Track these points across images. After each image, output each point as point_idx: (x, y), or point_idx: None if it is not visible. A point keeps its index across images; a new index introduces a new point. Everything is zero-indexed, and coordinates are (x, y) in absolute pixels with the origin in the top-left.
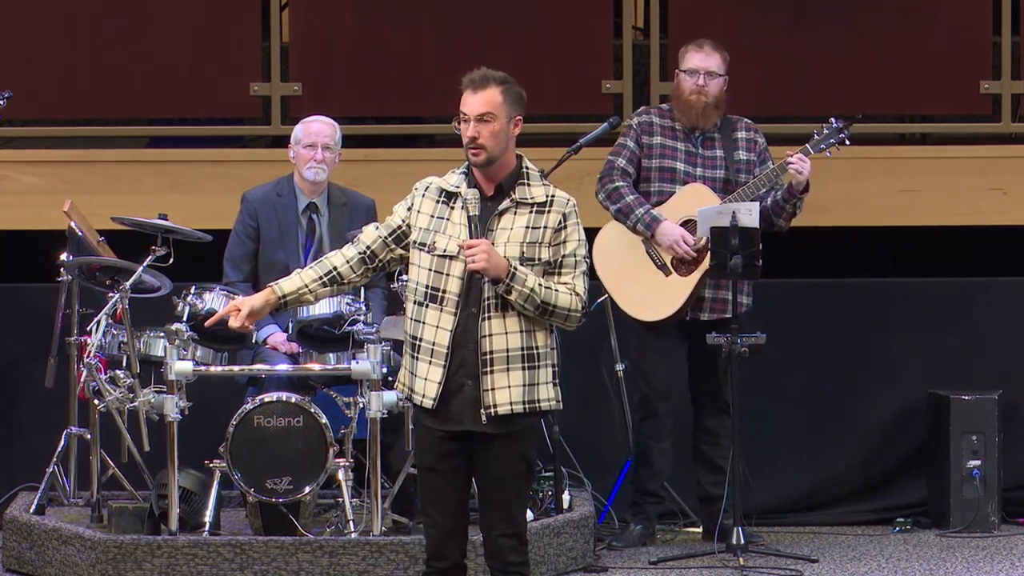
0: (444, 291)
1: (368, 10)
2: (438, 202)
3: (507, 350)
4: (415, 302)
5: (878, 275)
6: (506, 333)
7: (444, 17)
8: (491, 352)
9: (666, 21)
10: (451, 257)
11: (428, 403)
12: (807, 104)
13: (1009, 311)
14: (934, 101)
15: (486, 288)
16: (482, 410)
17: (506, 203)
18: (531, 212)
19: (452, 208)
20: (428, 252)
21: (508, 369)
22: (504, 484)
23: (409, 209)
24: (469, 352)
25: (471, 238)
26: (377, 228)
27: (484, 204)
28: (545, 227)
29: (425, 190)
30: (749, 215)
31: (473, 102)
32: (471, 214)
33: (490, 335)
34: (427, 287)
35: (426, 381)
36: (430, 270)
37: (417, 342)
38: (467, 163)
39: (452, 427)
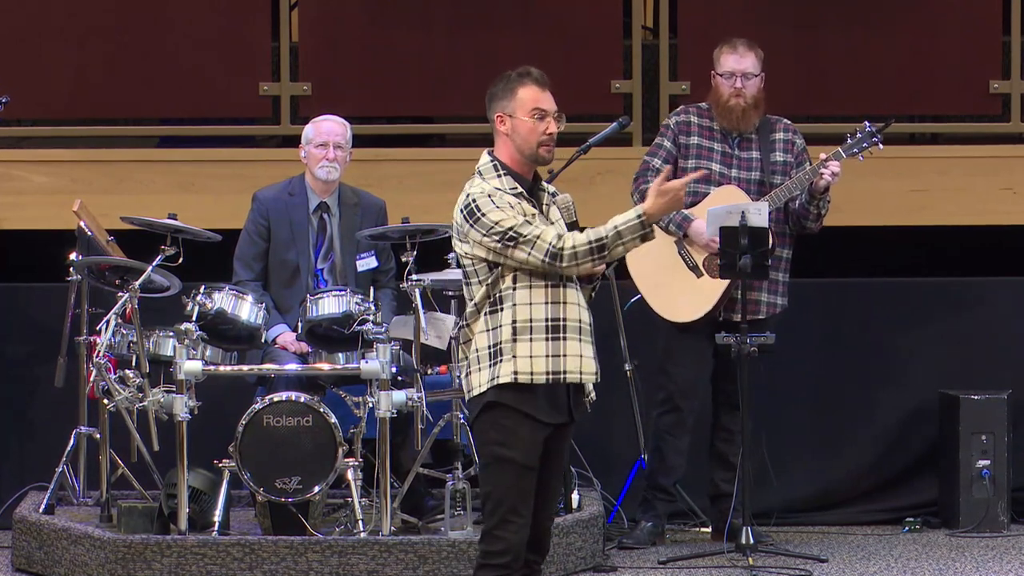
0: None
1: (377, 9)
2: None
3: (591, 321)
4: (549, 284)
5: (888, 275)
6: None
7: (453, 17)
8: (589, 322)
9: (675, 21)
10: None
11: (590, 377)
12: (817, 104)
13: (1019, 311)
14: (944, 101)
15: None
16: (584, 398)
17: (547, 197)
18: (554, 203)
19: (524, 202)
20: None
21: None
22: (561, 471)
23: (511, 207)
24: None
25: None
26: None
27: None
28: (560, 219)
29: (497, 195)
30: (758, 215)
31: (550, 100)
32: (569, 221)
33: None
34: (559, 276)
35: (582, 358)
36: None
37: (561, 322)
38: (493, 162)
39: (561, 418)
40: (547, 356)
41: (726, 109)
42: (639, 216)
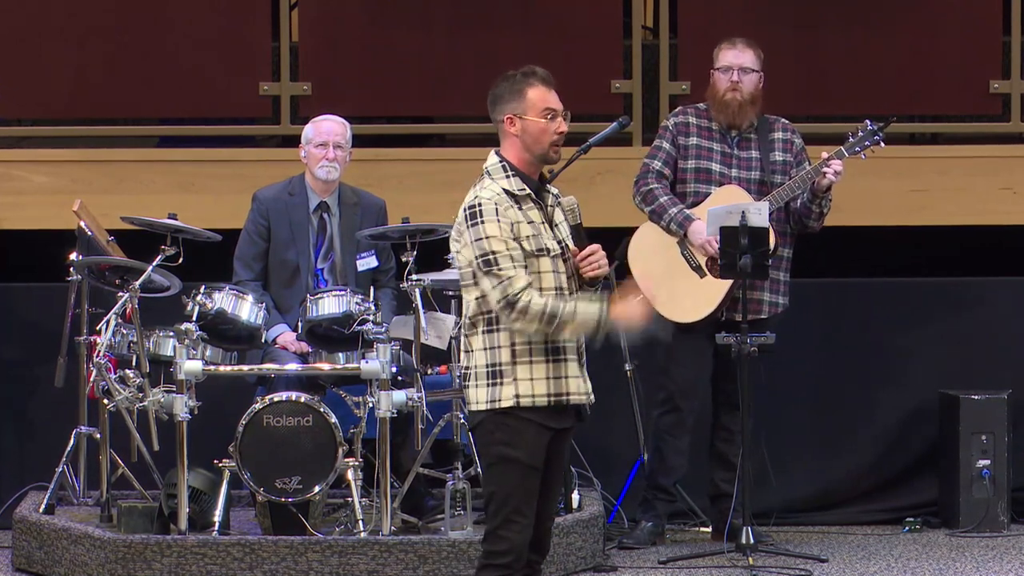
0: (565, 288)
1: (377, 9)
2: (518, 208)
3: (584, 342)
4: None
5: (888, 275)
6: None
7: (453, 17)
8: (583, 344)
9: (675, 21)
10: (558, 255)
11: (585, 399)
12: (817, 104)
13: (1019, 311)
14: (944, 101)
15: (573, 283)
16: (586, 403)
17: (551, 198)
18: (558, 205)
19: (523, 209)
20: (548, 256)
21: (588, 361)
22: (562, 472)
23: (512, 229)
24: None
25: (578, 245)
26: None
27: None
28: (564, 221)
29: (504, 205)
30: (758, 215)
31: (556, 99)
32: (573, 223)
33: None
34: (556, 288)
35: (579, 380)
36: (553, 272)
37: (562, 344)
38: (502, 163)
39: (567, 422)
40: (548, 379)
41: (722, 103)
42: (600, 310)
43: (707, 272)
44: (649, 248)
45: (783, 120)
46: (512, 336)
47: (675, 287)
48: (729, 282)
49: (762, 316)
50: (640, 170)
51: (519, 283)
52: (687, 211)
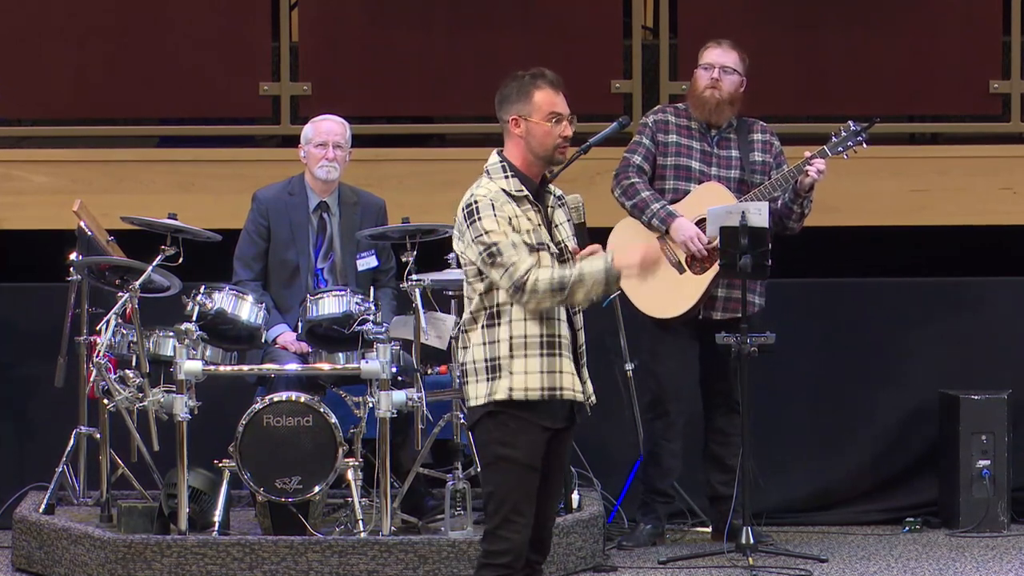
0: None
1: (377, 9)
2: (516, 207)
3: (586, 343)
4: None
5: (887, 275)
6: (583, 327)
7: (453, 17)
8: (583, 344)
9: (676, 21)
10: (557, 255)
11: (580, 396)
12: (817, 104)
13: (1019, 311)
14: (944, 101)
15: None
16: (584, 402)
17: (552, 199)
18: (561, 206)
19: (521, 209)
20: (548, 252)
21: (587, 360)
22: (563, 472)
23: (509, 222)
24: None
25: (580, 244)
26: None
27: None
28: (569, 220)
29: (500, 201)
30: (759, 215)
31: (564, 103)
32: (576, 222)
33: (581, 328)
34: None
35: (573, 376)
36: (553, 268)
37: (556, 339)
38: (502, 163)
39: (561, 423)
40: (542, 372)
41: (700, 99)
42: (606, 264)
43: (687, 268)
44: (627, 244)
45: (761, 122)
46: (510, 330)
47: (654, 283)
48: (708, 279)
49: (740, 315)
50: (620, 164)
51: (523, 266)
52: (669, 207)
